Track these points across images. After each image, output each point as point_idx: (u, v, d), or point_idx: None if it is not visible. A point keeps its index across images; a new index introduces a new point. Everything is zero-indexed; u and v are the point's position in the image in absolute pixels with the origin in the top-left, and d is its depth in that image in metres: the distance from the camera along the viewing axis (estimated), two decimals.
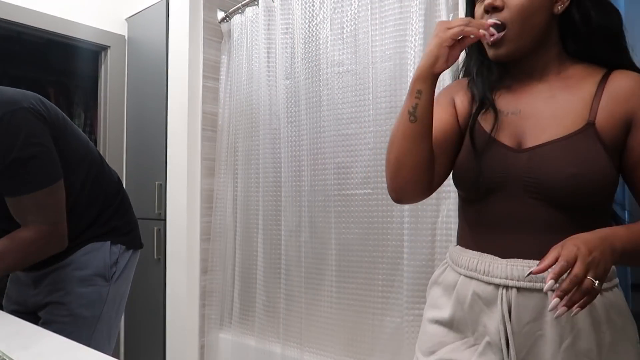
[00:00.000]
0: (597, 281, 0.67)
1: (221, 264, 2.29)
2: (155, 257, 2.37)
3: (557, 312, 0.68)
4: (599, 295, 0.75)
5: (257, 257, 2.13)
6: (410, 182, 0.89)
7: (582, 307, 0.67)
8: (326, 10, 1.90)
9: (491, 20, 0.83)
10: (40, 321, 1.28)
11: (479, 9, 0.88)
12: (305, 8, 1.96)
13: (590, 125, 0.80)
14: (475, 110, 0.91)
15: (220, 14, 2.35)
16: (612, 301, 0.81)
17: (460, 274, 0.91)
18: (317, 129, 1.93)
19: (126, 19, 2.64)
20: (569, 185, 0.78)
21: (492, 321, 0.84)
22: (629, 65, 0.84)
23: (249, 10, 2.21)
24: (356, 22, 1.81)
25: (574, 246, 0.69)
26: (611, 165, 0.79)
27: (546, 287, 0.68)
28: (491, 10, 0.84)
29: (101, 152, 2.61)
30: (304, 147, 1.96)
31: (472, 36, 0.82)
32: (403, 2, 1.67)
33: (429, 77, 0.84)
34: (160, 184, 2.38)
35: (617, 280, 0.84)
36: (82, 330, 1.28)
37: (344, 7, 1.84)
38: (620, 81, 0.81)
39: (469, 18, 0.84)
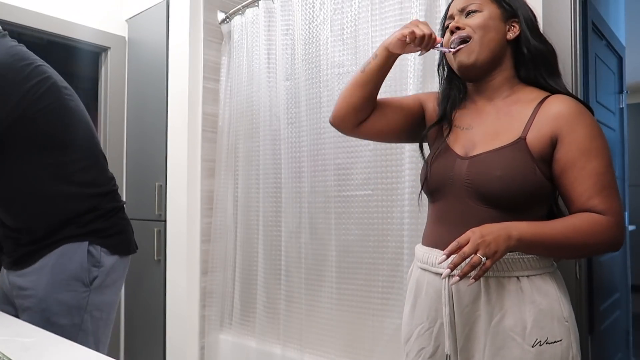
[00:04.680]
0: (484, 258, 0.85)
1: (221, 265, 2.29)
2: (156, 258, 2.37)
3: (452, 280, 0.90)
4: (527, 279, 0.95)
5: (258, 258, 2.13)
6: (342, 114, 1.17)
7: (475, 278, 0.87)
8: (326, 11, 1.90)
9: (455, 36, 1.05)
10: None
11: (447, 35, 1.09)
12: (306, 9, 1.97)
13: (521, 139, 0.97)
14: (434, 123, 1.15)
15: (221, 15, 2.36)
16: (539, 285, 0.96)
17: (419, 268, 1.11)
18: (318, 130, 1.93)
19: (126, 20, 2.64)
20: (495, 186, 0.96)
21: (442, 306, 1.00)
22: (562, 89, 1.03)
23: (249, 12, 2.21)
24: (356, 23, 1.81)
25: (471, 231, 0.89)
26: (537, 172, 0.95)
27: (443, 274, 0.91)
28: (455, 30, 1.06)
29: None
30: (304, 149, 1.96)
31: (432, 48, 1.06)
32: (403, 3, 1.67)
33: (383, 49, 1.09)
34: (161, 185, 2.38)
35: (550, 268, 0.99)
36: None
37: (344, 8, 1.85)
38: (552, 104, 0.98)
39: (429, 34, 1.04)
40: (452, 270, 0.89)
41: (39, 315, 1.18)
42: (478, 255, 0.86)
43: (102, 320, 1.26)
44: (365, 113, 1.17)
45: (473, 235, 0.88)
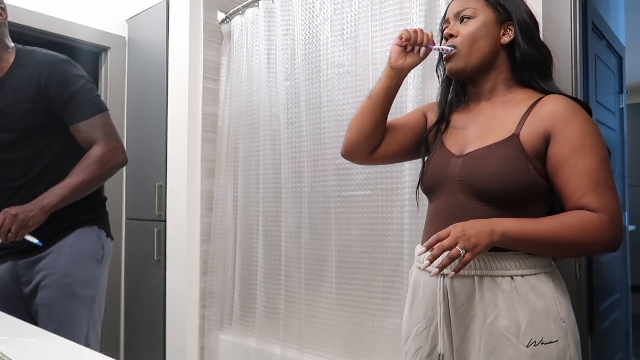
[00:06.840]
0: (463, 251, 0.86)
1: (221, 265, 2.29)
2: (156, 258, 2.37)
3: (431, 272, 0.92)
4: (521, 279, 0.95)
5: (257, 258, 2.13)
6: (354, 143, 1.18)
7: (455, 271, 0.89)
8: (326, 11, 1.90)
9: (445, 47, 1.07)
10: (39, 307, 1.37)
11: (443, 40, 1.11)
12: (306, 9, 1.97)
13: (514, 136, 0.98)
14: (433, 125, 1.18)
15: (221, 15, 2.36)
16: (534, 285, 0.95)
17: (417, 267, 1.11)
18: (318, 130, 1.93)
19: (126, 20, 2.64)
20: (488, 183, 0.96)
21: (438, 305, 1.01)
22: (555, 91, 1.03)
23: (249, 12, 2.21)
24: (356, 23, 1.81)
25: (453, 226, 0.90)
26: (530, 169, 0.95)
27: (422, 266, 0.95)
28: (448, 37, 1.08)
29: None
30: (304, 149, 1.96)
31: (423, 48, 1.09)
32: (403, 3, 1.67)
33: (387, 68, 1.12)
34: (161, 185, 2.38)
35: (547, 268, 0.99)
36: (82, 309, 1.40)
37: (344, 8, 1.85)
38: (546, 103, 0.98)
39: (420, 29, 1.09)
40: (430, 263, 0.90)
41: (61, 290, 1.38)
42: (457, 248, 0.87)
43: (103, 292, 1.51)
44: (377, 139, 1.18)
45: (454, 229, 0.89)
